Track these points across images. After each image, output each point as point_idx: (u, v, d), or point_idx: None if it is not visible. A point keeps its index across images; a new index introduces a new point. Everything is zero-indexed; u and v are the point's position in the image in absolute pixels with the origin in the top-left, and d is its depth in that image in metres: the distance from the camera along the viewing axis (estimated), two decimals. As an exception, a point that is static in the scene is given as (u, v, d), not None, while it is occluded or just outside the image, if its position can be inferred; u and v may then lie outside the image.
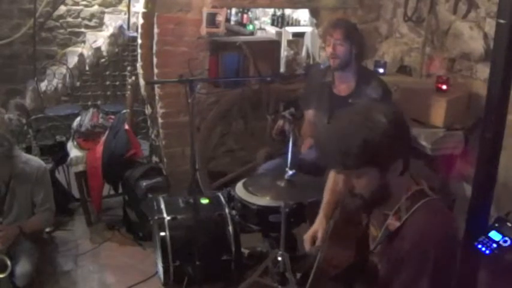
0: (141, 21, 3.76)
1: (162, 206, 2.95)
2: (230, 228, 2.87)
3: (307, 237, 2.14)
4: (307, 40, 4.93)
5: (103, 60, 5.39)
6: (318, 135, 1.51)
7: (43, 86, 5.24)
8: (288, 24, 5.63)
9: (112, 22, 5.49)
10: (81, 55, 5.36)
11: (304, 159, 2.79)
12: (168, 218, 2.86)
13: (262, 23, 6.05)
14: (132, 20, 5.44)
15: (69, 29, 5.61)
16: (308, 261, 2.07)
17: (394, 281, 1.44)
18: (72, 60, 5.38)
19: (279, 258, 2.62)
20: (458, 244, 1.50)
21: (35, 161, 2.96)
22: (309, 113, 2.95)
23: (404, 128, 1.43)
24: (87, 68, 5.40)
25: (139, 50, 3.90)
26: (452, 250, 1.42)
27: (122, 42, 5.36)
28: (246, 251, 3.11)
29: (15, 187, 2.81)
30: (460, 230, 2.20)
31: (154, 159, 4.08)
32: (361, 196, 1.45)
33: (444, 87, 2.98)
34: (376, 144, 1.35)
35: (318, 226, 2.16)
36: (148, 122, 4.18)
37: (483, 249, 2.16)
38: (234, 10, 5.96)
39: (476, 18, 3.00)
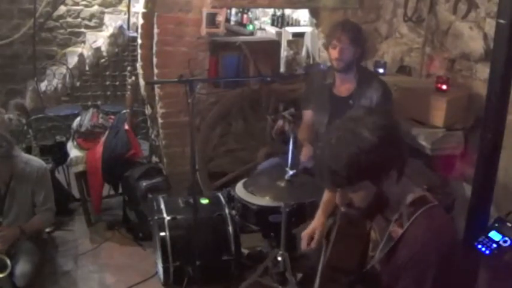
0: (141, 21, 3.76)
1: (162, 206, 2.95)
2: (230, 228, 2.87)
3: (304, 235, 2.13)
4: (307, 40, 4.93)
5: (103, 60, 5.40)
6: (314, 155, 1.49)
7: (43, 86, 5.24)
8: (288, 24, 5.63)
9: (112, 22, 5.49)
10: (81, 55, 5.36)
11: (307, 168, 2.79)
12: (168, 218, 2.86)
13: (262, 23, 6.05)
14: (132, 20, 5.44)
15: (69, 29, 5.61)
16: (309, 262, 2.07)
17: (396, 287, 1.44)
18: (72, 60, 5.38)
19: (279, 258, 2.62)
20: (458, 249, 1.50)
21: (36, 161, 2.96)
22: (307, 114, 2.94)
23: (394, 140, 1.39)
24: (87, 68, 5.40)
25: (139, 50, 3.90)
26: (453, 256, 1.42)
27: (122, 42, 5.36)
28: (246, 251, 3.11)
29: (15, 187, 2.81)
30: (460, 230, 2.20)
31: (154, 159, 4.08)
32: (358, 208, 1.44)
33: (444, 87, 2.97)
34: (364, 160, 1.33)
35: (316, 224, 2.15)
36: (148, 122, 4.18)
37: (483, 249, 2.16)
38: (234, 10, 5.97)
39: (476, 18, 3.00)
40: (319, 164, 1.41)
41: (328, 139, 1.39)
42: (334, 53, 2.67)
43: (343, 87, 2.79)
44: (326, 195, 2.22)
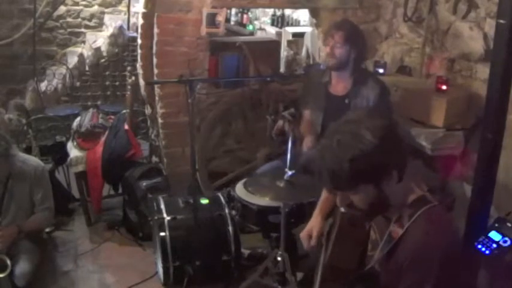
0: (141, 21, 3.76)
1: (162, 206, 2.94)
2: (230, 228, 2.87)
3: (303, 235, 2.12)
4: (307, 40, 4.93)
5: (103, 60, 5.40)
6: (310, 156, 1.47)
7: (43, 86, 5.24)
8: (288, 24, 5.64)
9: (112, 22, 5.49)
10: (81, 55, 5.36)
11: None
12: (168, 218, 2.85)
13: (262, 23, 6.06)
14: (132, 20, 5.45)
15: (69, 29, 5.60)
16: (310, 262, 2.07)
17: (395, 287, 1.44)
18: (72, 61, 5.38)
19: (279, 259, 2.62)
20: (458, 249, 1.50)
21: (33, 160, 2.96)
22: (307, 114, 2.95)
23: (395, 140, 1.39)
24: (87, 68, 5.40)
25: (139, 50, 3.90)
26: (454, 257, 1.42)
27: (121, 43, 5.36)
28: (246, 252, 3.11)
29: (13, 187, 2.80)
30: (460, 231, 2.20)
31: (154, 159, 4.08)
32: (359, 208, 1.44)
33: (444, 87, 2.97)
34: (365, 163, 1.33)
35: (313, 223, 2.15)
36: (148, 122, 4.18)
37: (483, 249, 2.16)
38: (234, 10, 5.97)
39: (476, 18, 3.00)
40: (320, 167, 1.39)
41: (329, 142, 1.37)
42: (327, 50, 2.70)
43: (339, 86, 2.80)
44: (324, 194, 2.22)
